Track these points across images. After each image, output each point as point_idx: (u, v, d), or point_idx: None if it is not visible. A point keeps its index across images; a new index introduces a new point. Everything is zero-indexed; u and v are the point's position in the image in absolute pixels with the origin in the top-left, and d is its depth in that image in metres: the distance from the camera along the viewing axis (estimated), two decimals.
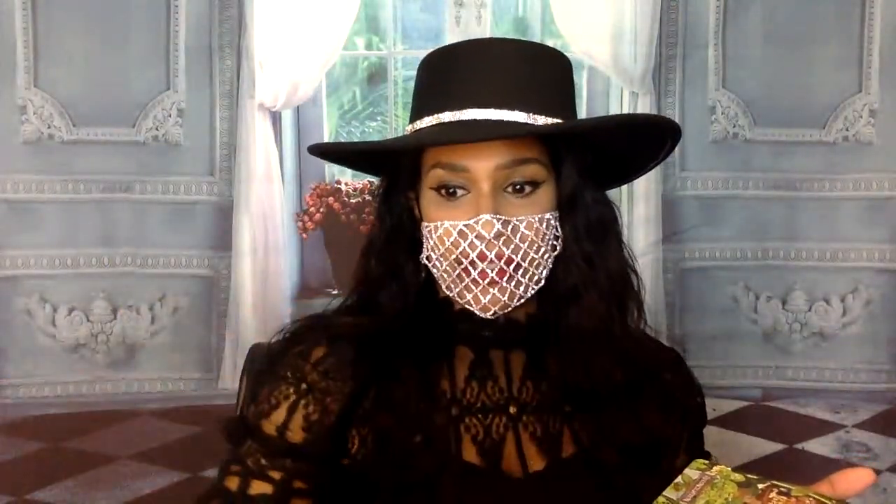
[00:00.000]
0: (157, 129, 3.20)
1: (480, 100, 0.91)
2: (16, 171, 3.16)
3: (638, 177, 1.07)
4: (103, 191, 3.18)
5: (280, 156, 3.29)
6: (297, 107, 3.37)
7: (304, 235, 3.41)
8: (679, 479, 0.68)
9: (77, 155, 3.17)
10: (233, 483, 0.92)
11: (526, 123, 0.91)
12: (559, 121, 0.93)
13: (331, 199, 3.38)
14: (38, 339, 3.22)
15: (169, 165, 3.21)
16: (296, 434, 0.93)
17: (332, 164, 3.53)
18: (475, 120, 0.91)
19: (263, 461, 0.92)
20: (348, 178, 3.49)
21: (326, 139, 3.60)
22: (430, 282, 0.99)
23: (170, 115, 3.20)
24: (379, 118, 3.85)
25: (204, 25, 3.17)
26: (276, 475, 0.92)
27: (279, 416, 0.93)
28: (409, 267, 0.98)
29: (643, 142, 0.99)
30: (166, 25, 3.16)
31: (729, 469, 0.69)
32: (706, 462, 0.70)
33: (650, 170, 1.05)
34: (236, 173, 3.21)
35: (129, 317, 3.25)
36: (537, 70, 0.94)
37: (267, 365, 0.98)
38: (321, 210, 3.38)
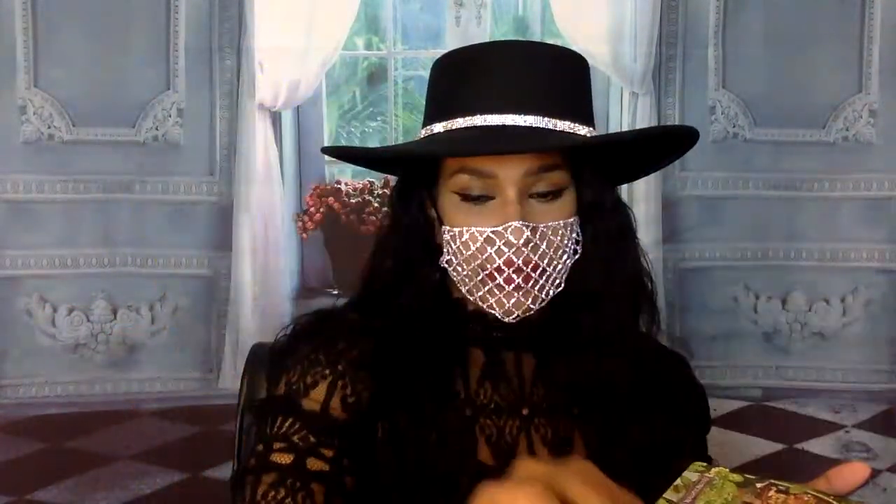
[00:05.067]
0: (157, 129, 3.20)
1: (512, 105, 0.91)
2: (16, 171, 3.16)
3: (648, 174, 1.08)
4: (103, 191, 3.18)
5: (280, 156, 3.29)
6: (297, 107, 3.37)
7: (304, 235, 3.41)
8: (678, 481, 0.68)
9: (77, 155, 3.17)
10: (284, 458, 0.88)
11: (563, 132, 0.91)
12: (588, 128, 0.93)
13: (331, 199, 3.38)
14: (38, 339, 3.22)
15: (169, 165, 3.21)
16: (338, 412, 0.90)
17: (332, 164, 3.54)
18: (506, 126, 0.90)
19: (313, 438, 0.89)
20: (348, 178, 3.49)
21: (326, 139, 3.60)
22: (444, 282, 0.98)
23: (170, 115, 3.20)
24: (379, 118, 3.86)
25: (204, 25, 3.17)
26: (328, 452, 0.88)
27: (319, 393, 0.91)
28: (425, 267, 0.97)
29: (663, 147, 1.00)
30: (166, 25, 3.16)
31: (727, 469, 0.69)
32: (704, 464, 0.70)
33: (662, 168, 1.05)
34: (236, 173, 3.21)
35: (129, 317, 3.25)
36: (559, 74, 0.94)
37: (290, 348, 0.96)
38: (321, 210, 3.38)
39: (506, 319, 0.93)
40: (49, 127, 3.15)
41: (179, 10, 3.15)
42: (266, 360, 1.01)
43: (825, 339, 3.40)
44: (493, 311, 0.93)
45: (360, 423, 0.91)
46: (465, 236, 0.92)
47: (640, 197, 3.24)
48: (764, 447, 2.96)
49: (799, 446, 2.98)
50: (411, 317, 0.96)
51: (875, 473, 2.81)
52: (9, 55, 3.11)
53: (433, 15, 3.53)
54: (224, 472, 2.63)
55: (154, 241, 3.23)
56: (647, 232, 3.28)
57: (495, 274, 0.91)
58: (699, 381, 1.06)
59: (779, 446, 2.97)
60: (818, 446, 2.99)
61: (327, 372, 0.92)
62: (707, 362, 3.31)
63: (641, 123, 3.24)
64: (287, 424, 0.90)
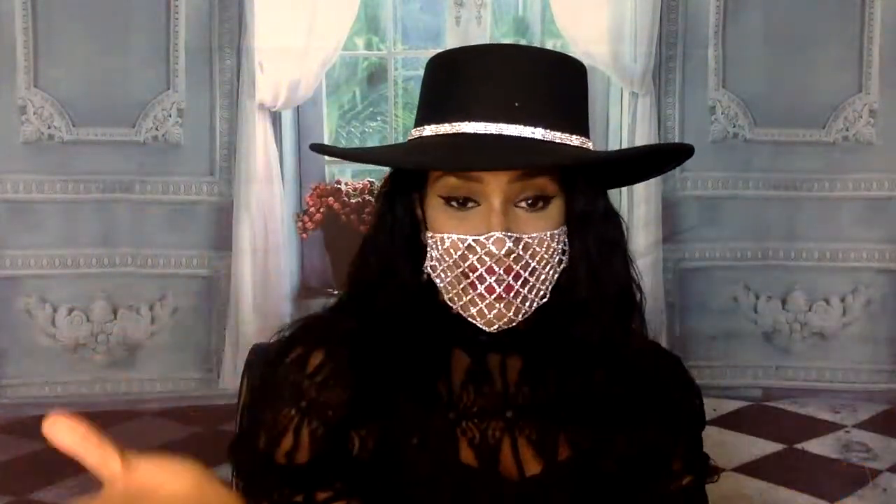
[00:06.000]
0: (157, 129, 3.20)
1: (501, 113, 0.90)
2: (16, 171, 3.16)
3: (642, 181, 1.07)
4: (103, 191, 3.18)
5: (280, 156, 3.29)
6: (297, 107, 3.37)
7: (304, 235, 3.41)
8: None
9: (77, 155, 3.17)
10: None
11: (554, 143, 0.90)
12: (581, 138, 0.92)
13: (331, 199, 3.38)
14: (38, 339, 3.22)
15: (169, 165, 3.21)
16: (305, 454, 0.92)
17: (332, 164, 3.54)
18: (494, 135, 0.89)
19: (287, 491, 0.92)
20: (348, 178, 3.49)
21: (326, 139, 3.60)
22: (430, 284, 0.97)
23: (170, 115, 3.20)
24: (379, 118, 3.86)
25: (204, 25, 3.17)
26: (299, 499, 0.91)
27: (288, 441, 0.93)
28: (408, 269, 0.96)
29: (657, 160, 0.99)
30: (166, 25, 3.16)
31: None
32: None
33: (656, 177, 1.05)
34: (236, 173, 3.21)
35: (129, 317, 3.25)
36: (555, 81, 0.93)
37: (265, 378, 0.97)
38: (321, 210, 3.38)
39: (487, 330, 0.92)
40: (49, 127, 3.15)
41: (179, 10, 3.15)
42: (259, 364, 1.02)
43: (825, 339, 3.40)
44: (475, 322, 0.92)
45: (336, 441, 0.92)
46: (447, 243, 0.91)
47: (640, 197, 3.25)
48: (764, 447, 2.95)
49: (799, 446, 2.98)
50: (392, 319, 0.95)
51: (875, 473, 2.81)
52: (9, 55, 3.11)
53: (433, 15, 3.54)
54: (224, 472, 2.62)
55: (154, 241, 3.23)
56: (647, 232, 3.28)
57: (477, 283, 0.90)
58: (693, 378, 1.05)
59: (779, 446, 2.97)
60: (818, 446, 2.99)
61: (293, 412, 0.93)
62: (707, 362, 3.31)
63: (641, 123, 3.24)
64: (267, 481, 0.93)
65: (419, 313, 0.96)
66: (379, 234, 0.99)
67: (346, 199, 3.38)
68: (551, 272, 0.93)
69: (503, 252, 0.89)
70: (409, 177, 0.96)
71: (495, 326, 0.91)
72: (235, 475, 0.99)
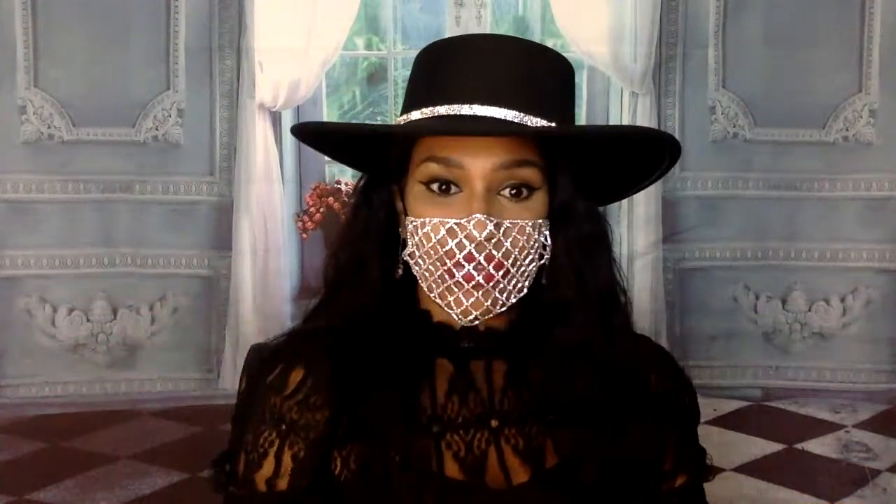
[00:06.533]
0: (157, 129, 3.20)
1: (482, 96, 0.89)
2: (16, 171, 3.16)
3: (632, 194, 1.06)
4: (103, 191, 3.18)
5: (280, 156, 3.29)
6: (297, 107, 3.37)
7: (304, 235, 3.41)
8: None
9: (77, 155, 3.17)
10: None
11: (528, 125, 0.90)
12: (558, 125, 0.92)
13: (331, 199, 3.38)
14: (38, 339, 3.22)
15: (169, 165, 3.21)
16: (286, 479, 0.92)
17: (332, 164, 3.54)
18: (475, 116, 0.89)
19: None
20: (348, 178, 3.49)
21: None
22: (405, 283, 0.96)
23: (170, 115, 3.20)
24: (379, 118, 3.86)
25: (204, 25, 3.18)
26: None
27: (269, 466, 0.92)
28: (382, 263, 0.95)
29: (641, 156, 0.97)
30: (166, 25, 3.16)
31: None
32: None
33: (645, 187, 1.03)
34: (236, 173, 3.21)
35: (129, 317, 3.25)
36: (538, 70, 0.93)
37: (247, 397, 0.97)
38: (321, 210, 3.38)
39: (463, 321, 0.90)
40: (49, 127, 3.15)
41: (179, 10, 3.15)
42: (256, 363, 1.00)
43: (825, 339, 3.40)
44: (451, 311, 0.91)
45: (314, 471, 0.91)
46: (428, 227, 0.90)
47: (640, 197, 3.24)
48: (764, 447, 2.95)
49: (799, 446, 2.98)
50: (369, 322, 0.94)
51: (875, 473, 2.81)
52: (9, 55, 3.12)
53: (433, 15, 3.54)
54: None
55: (154, 241, 3.23)
56: (646, 232, 3.28)
57: (454, 270, 0.89)
58: (684, 373, 1.03)
59: (779, 446, 2.97)
60: (818, 446, 2.99)
61: (274, 435, 0.93)
62: (707, 362, 3.30)
63: (641, 123, 3.23)
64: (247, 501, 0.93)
65: (396, 316, 0.95)
66: (352, 228, 0.97)
67: (346, 199, 3.38)
68: (531, 264, 0.92)
69: (484, 235, 0.87)
70: (390, 167, 0.95)
71: (472, 316, 0.90)
72: (214, 490, 0.98)
